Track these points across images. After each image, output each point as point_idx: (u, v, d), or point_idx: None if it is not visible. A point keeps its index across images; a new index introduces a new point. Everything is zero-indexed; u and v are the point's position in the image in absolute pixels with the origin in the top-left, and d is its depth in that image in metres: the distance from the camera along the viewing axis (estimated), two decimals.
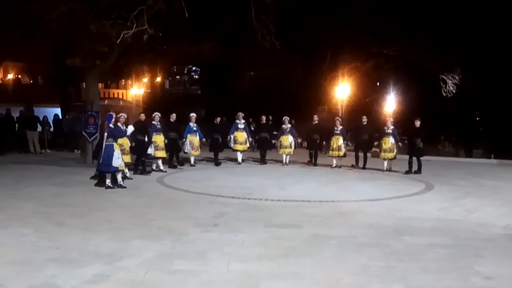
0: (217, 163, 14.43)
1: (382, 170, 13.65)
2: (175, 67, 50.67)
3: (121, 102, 32.96)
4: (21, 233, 6.23)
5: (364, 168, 14.13)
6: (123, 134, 10.72)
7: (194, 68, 52.71)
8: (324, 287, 4.57)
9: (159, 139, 12.52)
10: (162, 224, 6.87)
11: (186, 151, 13.81)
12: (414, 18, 21.45)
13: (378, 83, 29.10)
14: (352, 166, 14.40)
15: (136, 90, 38.49)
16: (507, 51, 22.79)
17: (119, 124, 10.62)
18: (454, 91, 22.72)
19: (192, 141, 13.77)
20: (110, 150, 9.60)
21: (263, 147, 15.43)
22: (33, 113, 18.78)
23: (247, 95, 30.27)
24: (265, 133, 15.43)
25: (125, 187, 9.84)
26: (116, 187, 9.76)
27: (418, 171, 13.16)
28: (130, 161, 11.50)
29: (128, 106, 31.04)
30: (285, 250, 5.66)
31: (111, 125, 9.82)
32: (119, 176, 9.97)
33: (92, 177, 10.71)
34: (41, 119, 18.58)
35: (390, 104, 22.58)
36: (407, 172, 13.19)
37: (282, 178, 12.24)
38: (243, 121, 14.90)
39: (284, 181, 11.67)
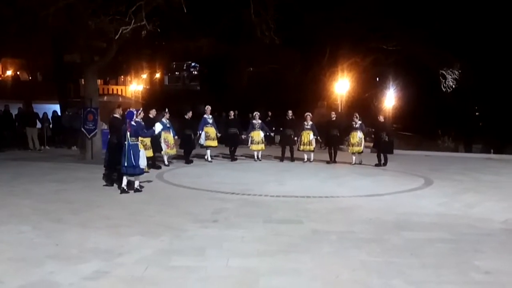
0: (189, 161, 13.76)
1: (351, 163, 14.14)
2: (174, 63, 50.64)
3: (120, 99, 32.86)
4: (19, 229, 6.22)
5: (334, 161, 14.44)
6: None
7: (193, 64, 52.72)
8: (323, 282, 4.57)
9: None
10: (161, 220, 6.86)
11: (162, 150, 12.81)
12: (413, 13, 21.38)
13: (377, 79, 29.05)
14: (327, 163, 14.54)
15: (135, 86, 38.51)
16: (506, 46, 22.76)
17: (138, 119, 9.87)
18: (453, 86, 22.66)
19: (167, 139, 12.81)
20: (135, 150, 8.77)
21: (233, 143, 15.05)
22: (33, 109, 18.75)
23: (246, 91, 30.23)
24: (234, 129, 15.02)
25: (141, 190, 9.04)
26: (131, 191, 8.93)
27: (385, 163, 13.80)
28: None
29: (127, 102, 30.97)
30: (284, 246, 5.65)
31: (133, 123, 8.91)
32: (137, 182, 9.09)
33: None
34: (40, 115, 18.55)
35: (390, 99, 22.51)
36: (377, 165, 13.78)
37: (281, 174, 12.23)
38: (210, 116, 14.41)
39: (283, 177, 11.66)
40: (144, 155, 8.98)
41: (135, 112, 9.23)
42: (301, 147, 14.62)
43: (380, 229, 6.55)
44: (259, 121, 14.92)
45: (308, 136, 14.44)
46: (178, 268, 4.88)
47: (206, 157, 14.49)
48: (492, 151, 19.84)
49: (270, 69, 28.55)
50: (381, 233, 6.36)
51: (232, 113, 15.47)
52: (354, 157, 14.25)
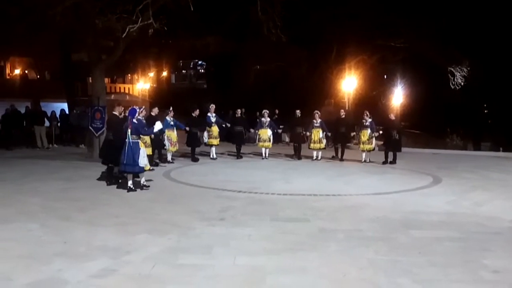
0: (195, 159, 13.82)
1: (360, 161, 14.21)
2: (181, 61, 50.79)
3: (127, 97, 33.00)
4: (28, 227, 6.26)
5: (342, 159, 14.54)
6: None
7: (200, 62, 52.80)
8: (330, 281, 4.55)
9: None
10: (168, 218, 6.88)
11: (166, 147, 12.93)
12: (420, 10, 21.25)
13: (385, 76, 28.92)
14: (332, 157, 14.82)
15: (142, 85, 38.61)
16: None
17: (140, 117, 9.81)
18: (462, 83, 22.52)
19: (170, 136, 12.90)
20: (136, 148, 8.68)
21: (238, 141, 15.06)
22: (41, 108, 18.87)
23: (252, 88, 30.25)
24: (239, 127, 15.08)
25: (148, 187, 9.12)
26: (138, 189, 8.91)
27: (393, 161, 13.83)
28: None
29: (135, 101, 31.09)
30: (291, 244, 5.64)
31: (135, 121, 8.84)
32: (143, 179, 9.09)
33: (108, 181, 9.66)
34: (48, 114, 18.67)
35: (398, 97, 22.41)
36: (384, 163, 13.82)
37: (288, 172, 12.21)
38: (214, 114, 14.37)
39: (290, 175, 11.64)
40: (144, 153, 8.87)
41: (137, 110, 9.17)
42: (312, 145, 14.65)
43: (387, 228, 6.52)
44: (268, 119, 14.94)
45: (318, 134, 14.47)
46: (185, 266, 4.88)
47: (211, 155, 14.52)
48: (501, 149, 19.67)
49: (277, 67, 28.52)
50: (389, 231, 6.32)
51: (239, 111, 15.50)
52: (364, 155, 14.26)
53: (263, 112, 15.24)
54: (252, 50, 26.05)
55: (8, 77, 32.44)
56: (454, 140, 23.26)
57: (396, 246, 5.67)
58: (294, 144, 15.18)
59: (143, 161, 8.74)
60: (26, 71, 33.25)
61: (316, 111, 14.96)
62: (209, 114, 14.37)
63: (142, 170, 8.86)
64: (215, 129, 14.25)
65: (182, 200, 8.31)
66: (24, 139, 17.50)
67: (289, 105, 17.73)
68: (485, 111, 30.51)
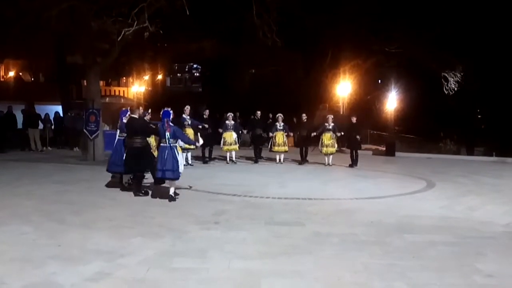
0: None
1: (324, 164, 14.37)
2: (176, 64, 50.73)
3: (122, 100, 32.87)
4: (22, 230, 6.23)
5: (302, 162, 14.64)
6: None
7: (195, 66, 52.78)
8: (325, 285, 4.56)
9: None
10: (163, 222, 6.86)
11: None
12: (415, 16, 21.38)
13: (379, 81, 29.03)
14: (299, 163, 14.76)
15: (137, 88, 38.50)
16: (509, 48, 22.73)
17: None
18: (455, 88, 22.64)
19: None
20: (176, 152, 8.33)
21: (207, 144, 14.20)
22: (35, 110, 18.80)
23: (247, 92, 30.28)
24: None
25: (178, 194, 8.68)
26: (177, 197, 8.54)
27: (354, 164, 14.11)
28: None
29: (129, 104, 30.97)
30: (286, 248, 5.65)
31: (171, 123, 8.40)
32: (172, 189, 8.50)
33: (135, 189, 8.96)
34: (42, 116, 18.60)
35: (392, 101, 22.50)
36: (351, 165, 14.13)
37: (283, 175, 12.23)
38: (189, 116, 13.64)
39: (285, 178, 11.66)
40: (182, 158, 8.43)
41: (171, 112, 8.63)
42: (275, 148, 14.74)
43: (382, 232, 6.54)
44: (232, 122, 14.79)
45: (282, 137, 14.62)
46: (179, 269, 4.88)
47: (187, 162, 13.47)
48: (494, 154, 19.80)
49: (272, 71, 28.56)
50: (383, 235, 6.35)
51: (207, 112, 14.69)
52: (326, 158, 14.43)
53: (228, 115, 14.95)
54: (247, 54, 26.03)
55: (2, 79, 32.26)
56: (447, 145, 23.39)
57: (391, 250, 5.69)
58: (255, 149, 15.19)
59: (181, 166, 8.37)
60: (21, 74, 33.08)
61: (279, 114, 15.00)
62: (184, 115, 13.55)
63: (179, 176, 8.40)
64: (190, 132, 13.36)
65: (176, 203, 8.29)
66: (18, 142, 17.42)
67: (284, 109, 17.75)
68: (479, 116, 30.68)
